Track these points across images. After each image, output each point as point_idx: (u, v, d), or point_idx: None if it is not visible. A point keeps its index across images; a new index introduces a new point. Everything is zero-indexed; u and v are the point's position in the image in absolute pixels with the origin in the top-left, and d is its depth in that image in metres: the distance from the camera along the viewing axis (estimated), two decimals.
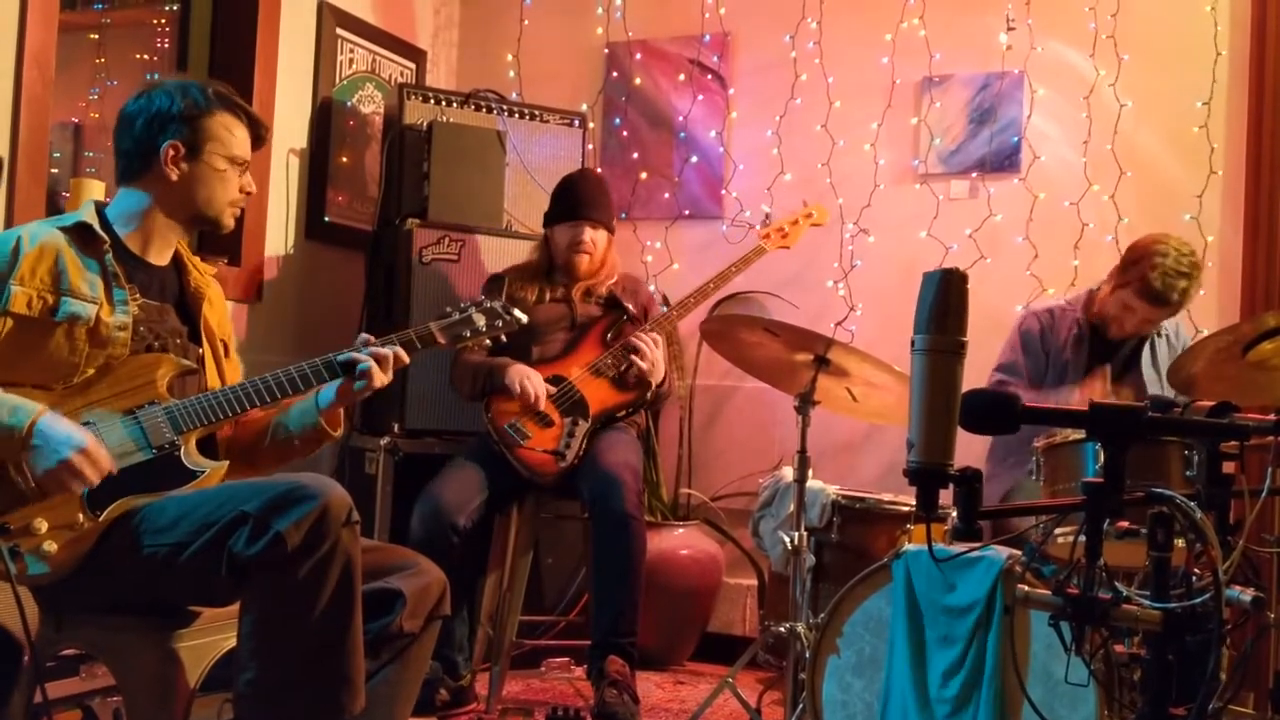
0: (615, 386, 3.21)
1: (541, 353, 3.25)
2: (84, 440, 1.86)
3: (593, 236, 3.30)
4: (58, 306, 1.97)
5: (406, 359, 2.16)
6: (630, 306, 3.31)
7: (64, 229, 2.04)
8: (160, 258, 2.16)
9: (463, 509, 2.99)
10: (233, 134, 2.13)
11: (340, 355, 2.12)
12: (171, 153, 2.08)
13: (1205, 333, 3.34)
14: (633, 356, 3.18)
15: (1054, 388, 3.14)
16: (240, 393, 2.05)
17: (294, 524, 1.78)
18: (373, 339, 2.16)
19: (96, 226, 2.06)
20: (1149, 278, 2.96)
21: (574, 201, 3.32)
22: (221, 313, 2.28)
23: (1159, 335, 3.19)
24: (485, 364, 3.20)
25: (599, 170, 4.09)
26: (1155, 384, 3.14)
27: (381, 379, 2.11)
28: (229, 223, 2.18)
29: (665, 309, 3.43)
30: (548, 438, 3.11)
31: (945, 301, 1.33)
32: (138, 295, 2.07)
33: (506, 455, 3.08)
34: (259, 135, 2.19)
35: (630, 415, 3.27)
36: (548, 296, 3.32)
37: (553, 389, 3.16)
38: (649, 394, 3.26)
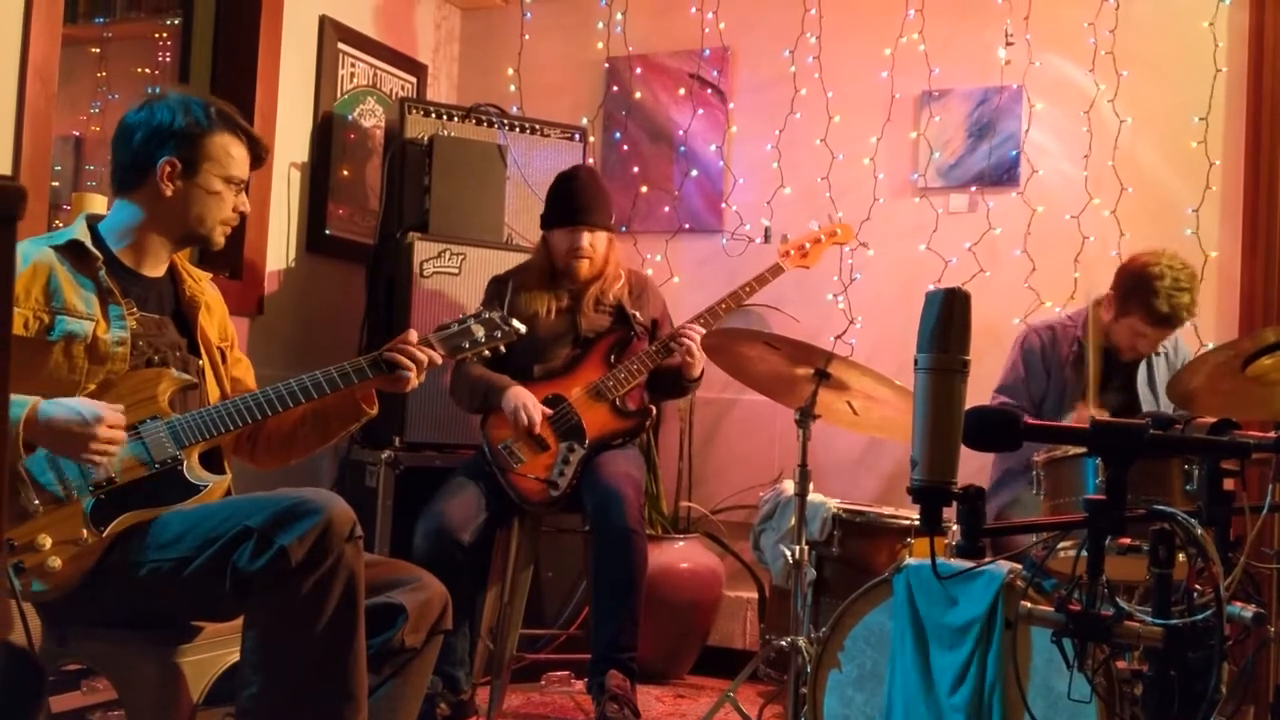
0: (614, 412, 3.17)
1: (544, 369, 3.22)
2: (96, 409, 1.87)
3: (591, 240, 3.22)
4: (53, 325, 1.97)
5: (439, 359, 2.21)
6: (638, 314, 3.26)
7: (56, 247, 2.04)
8: (155, 270, 2.17)
9: (466, 526, 2.98)
10: (231, 155, 2.13)
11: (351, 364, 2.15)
12: (168, 169, 2.08)
13: (1210, 346, 3.35)
14: (674, 349, 3.16)
15: (1053, 412, 3.15)
16: (242, 406, 2.06)
17: (297, 539, 1.79)
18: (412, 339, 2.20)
19: (89, 243, 2.06)
20: (1154, 304, 2.96)
21: (570, 205, 3.23)
22: (221, 317, 2.29)
23: (1157, 354, 3.19)
24: (484, 380, 3.15)
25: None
26: (1150, 403, 3.15)
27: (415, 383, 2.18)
28: (219, 241, 2.18)
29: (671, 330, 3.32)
30: (540, 464, 3.08)
31: (948, 320, 1.34)
32: (135, 309, 2.07)
33: (499, 478, 3.08)
34: (259, 156, 2.20)
35: (627, 443, 3.22)
36: (554, 307, 3.24)
37: (550, 410, 3.12)
38: (680, 396, 3.26)
